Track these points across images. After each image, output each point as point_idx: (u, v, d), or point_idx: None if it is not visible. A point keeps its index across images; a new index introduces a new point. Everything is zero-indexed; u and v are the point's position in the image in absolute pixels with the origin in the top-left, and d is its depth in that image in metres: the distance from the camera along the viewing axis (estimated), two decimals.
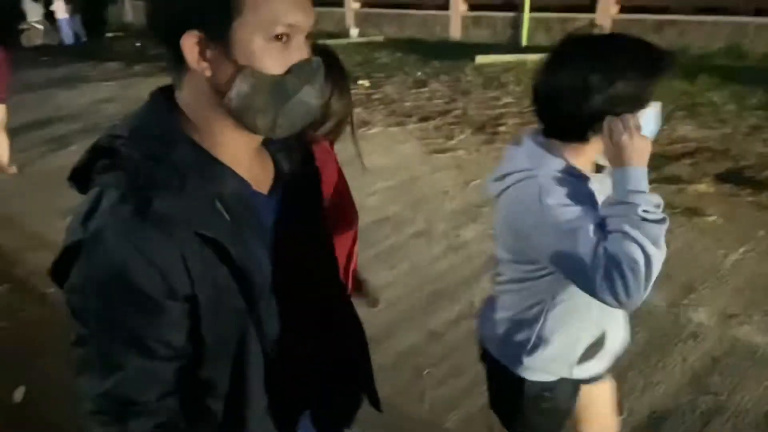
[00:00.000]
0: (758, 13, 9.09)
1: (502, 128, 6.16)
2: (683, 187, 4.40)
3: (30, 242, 4.14)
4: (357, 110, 7.42)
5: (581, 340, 1.37)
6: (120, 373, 0.78)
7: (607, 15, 10.10)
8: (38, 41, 15.36)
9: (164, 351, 0.79)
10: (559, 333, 1.34)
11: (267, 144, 0.93)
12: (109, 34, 16.83)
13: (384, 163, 5.35)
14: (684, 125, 5.75)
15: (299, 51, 0.79)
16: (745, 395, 2.37)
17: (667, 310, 2.94)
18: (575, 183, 1.21)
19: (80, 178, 0.80)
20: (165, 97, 0.84)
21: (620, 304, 1.12)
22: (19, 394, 2.60)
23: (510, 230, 1.30)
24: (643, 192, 1.13)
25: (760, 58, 8.56)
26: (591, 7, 10.35)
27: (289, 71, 0.78)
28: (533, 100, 1.25)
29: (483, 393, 2.52)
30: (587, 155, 1.25)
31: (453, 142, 5.93)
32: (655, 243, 1.09)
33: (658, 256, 1.09)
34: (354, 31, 13.65)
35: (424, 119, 6.75)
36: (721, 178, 4.55)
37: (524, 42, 10.98)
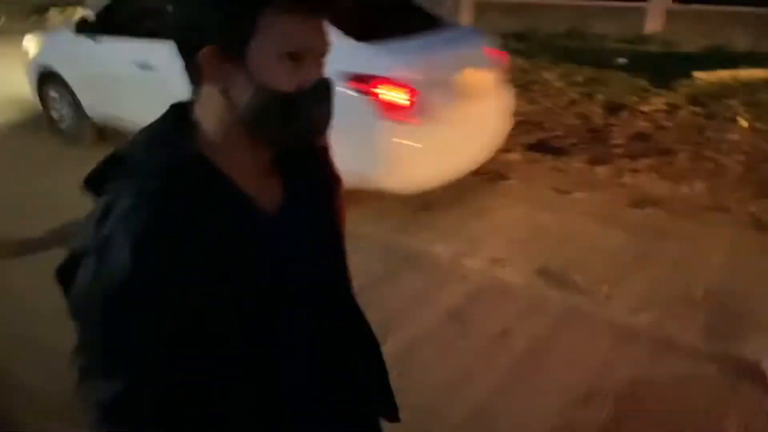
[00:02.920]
0: None
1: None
2: (495, 156, 4.98)
3: None
4: None
5: None
6: (124, 380, 0.78)
7: None
8: None
9: (168, 357, 0.80)
10: None
11: (278, 157, 0.93)
12: None
13: None
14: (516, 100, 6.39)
15: (312, 70, 0.84)
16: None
17: (450, 259, 3.46)
18: None
19: (95, 184, 0.84)
20: (183, 111, 0.88)
21: None
22: None
23: None
24: None
25: (596, 39, 9.51)
26: None
27: (300, 90, 0.82)
28: None
29: None
30: None
31: None
32: None
33: None
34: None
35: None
36: (531, 147, 5.19)
37: None
